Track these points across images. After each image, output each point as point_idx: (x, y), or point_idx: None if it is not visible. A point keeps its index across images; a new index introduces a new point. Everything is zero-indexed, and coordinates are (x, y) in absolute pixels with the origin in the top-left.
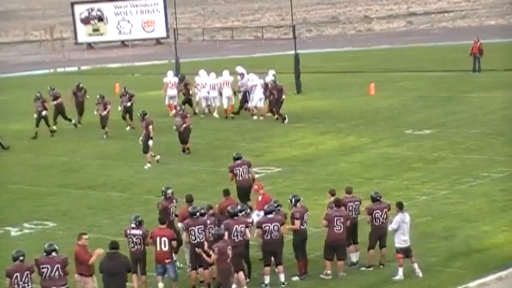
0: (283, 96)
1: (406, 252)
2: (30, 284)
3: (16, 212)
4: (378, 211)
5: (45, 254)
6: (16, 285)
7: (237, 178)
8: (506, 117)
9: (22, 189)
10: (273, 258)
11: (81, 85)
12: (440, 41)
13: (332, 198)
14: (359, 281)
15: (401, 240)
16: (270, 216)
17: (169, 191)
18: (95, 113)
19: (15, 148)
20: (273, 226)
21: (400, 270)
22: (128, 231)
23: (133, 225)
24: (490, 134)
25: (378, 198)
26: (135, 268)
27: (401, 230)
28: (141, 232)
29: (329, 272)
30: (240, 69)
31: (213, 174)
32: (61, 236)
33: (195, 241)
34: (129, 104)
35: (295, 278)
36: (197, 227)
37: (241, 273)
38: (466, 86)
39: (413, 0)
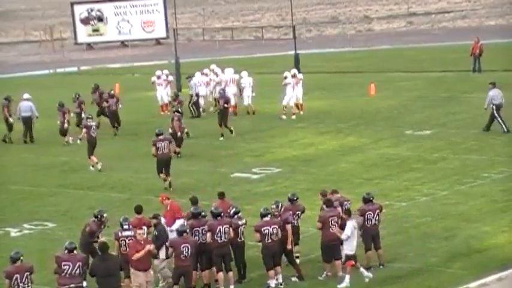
0: (228, 105)
1: (355, 259)
2: (30, 284)
3: (16, 213)
4: (370, 212)
5: (66, 251)
6: (16, 287)
7: (158, 152)
8: (506, 117)
9: (22, 189)
10: None
11: (112, 92)
12: (440, 41)
13: (325, 208)
14: (359, 281)
15: (353, 247)
16: (266, 219)
17: (105, 215)
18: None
19: (15, 148)
20: (272, 228)
21: (347, 278)
22: (120, 234)
23: (125, 227)
24: (490, 134)
25: (370, 199)
26: (127, 271)
27: (352, 237)
28: (132, 233)
29: (330, 273)
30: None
31: (213, 175)
32: (61, 236)
33: (198, 242)
34: (78, 110)
35: (294, 279)
36: (201, 228)
37: (220, 274)
38: (466, 86)
39: (414, 0)
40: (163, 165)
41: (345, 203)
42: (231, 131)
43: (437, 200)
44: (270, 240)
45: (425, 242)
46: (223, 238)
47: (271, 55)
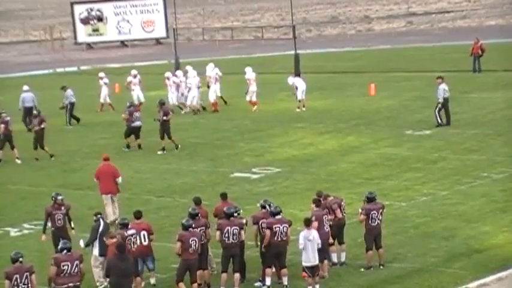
0: (167, 117)
1: (312, 271)
2: (29, 285)
3: (16, 212)
4: (374, 211)
5: (65, 251)
6: (16, 287)
7: None
8: (506, 117)
9: (22, 189)
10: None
11: (38, 113)
12: (440, 41)
13: (315, 208)
14: (359, 281)
15: (306, 258)
16: (278, 217)
17: (59, 198)
18: None
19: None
20: (283, 227)
21: None
22: (126, 234)
23: (129, 226)
24: (490, 134)
25: (374, 198)
26: (136, 269)
27: (306, 248)
28: (135, 231)
29: (326, 274)
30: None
31: (213, 174)
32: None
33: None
34: None
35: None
36: (199, 229)
37: (224, 274)
38: (466, 86)
39: (414, 0)
40: None
41: (342, 203)
42: (176, 147)
43: (437, 200)
44: (279, 239)
45: (425, 242)
46: (231, 239)
47: (271, 55)
